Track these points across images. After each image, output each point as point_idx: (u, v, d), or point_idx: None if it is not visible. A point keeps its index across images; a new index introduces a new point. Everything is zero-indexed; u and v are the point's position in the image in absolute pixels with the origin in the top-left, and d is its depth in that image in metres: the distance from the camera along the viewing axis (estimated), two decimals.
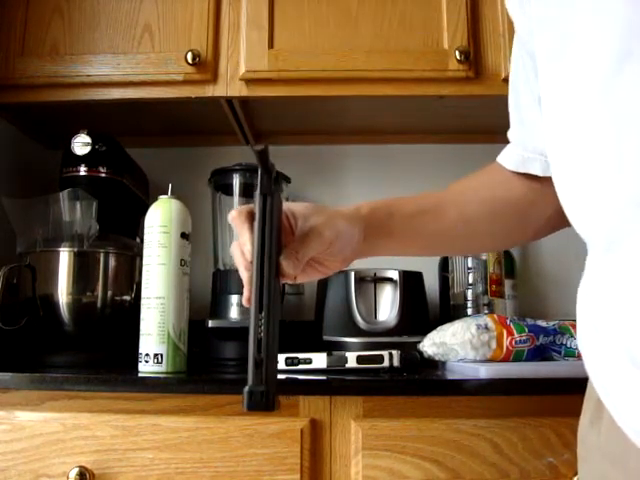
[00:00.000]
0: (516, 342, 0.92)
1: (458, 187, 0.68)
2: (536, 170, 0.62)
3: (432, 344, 0.96)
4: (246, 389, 0.45)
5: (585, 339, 0.47)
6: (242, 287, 0.54)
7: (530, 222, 0.66)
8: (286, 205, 0.57)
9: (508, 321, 0.94)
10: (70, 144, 1.08)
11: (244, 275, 0.54)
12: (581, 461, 0.51)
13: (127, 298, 1.06)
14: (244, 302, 0.52)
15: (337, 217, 0.58)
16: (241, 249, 0.54)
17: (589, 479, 0.49)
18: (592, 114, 0.42)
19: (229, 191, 1.22)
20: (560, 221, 0.64)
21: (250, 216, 0.55)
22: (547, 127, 0.50)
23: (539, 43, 0.51)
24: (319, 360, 0.89)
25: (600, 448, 0.46)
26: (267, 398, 0.45)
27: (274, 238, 0.50)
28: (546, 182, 0.61)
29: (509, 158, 0.65)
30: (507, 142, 0.68)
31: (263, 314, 0.47)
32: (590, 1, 0.43)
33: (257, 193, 0.51)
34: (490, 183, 0.67)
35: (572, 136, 0.45)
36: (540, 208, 0.64)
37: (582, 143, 0.44)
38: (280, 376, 0.83)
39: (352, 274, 1.11)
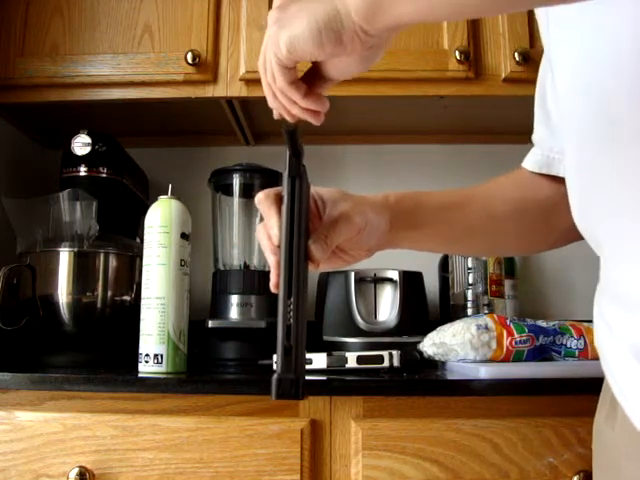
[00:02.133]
0: (516, 342, 0.92)
1: (484, 186, 0.68)
2: (560, 171, 0.62)
3: (432, 344, 0.96)
4: (275, 377, 0.43)
5: (600, 337, 0.47)
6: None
7: (555, 224, 0.65)
8: (314, 189, 0.56)
9: (508, 321, 0.94)
10: (70, 144, 1.08)
11: (271, 260, 0.52)
12: (596, 455, 0.52)
13: (127, 298, 1.06)
14: (272, 288, 0.50)
15: (365, 204, 0.57)
16: (268, 233, 0.53)
17: (604, 474, 0.50)
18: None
19: (229, 191, 1.22)
20: None
21: (277, 199, 0.53)
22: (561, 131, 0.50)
23: (553, 45, 0.51)
24: (319, 360, 0.89)
25: (615, 444, 0.47)
26: (297, 386, 0.43)
27: (303, 222, 0.48)
28: None
29: (533, 160, 0.65)
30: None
31: (292, 300, 0.45)
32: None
33: (285, 175, 0.49)
34: (516, 184, 0.67)
35: (576, 140, 0.45)
36: (566, 210, 0.64)
37: (583, 149, 0.44)
38: None
39: (352, 274, 1.11)
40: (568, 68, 0.49)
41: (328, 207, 0.56)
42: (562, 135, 0.52)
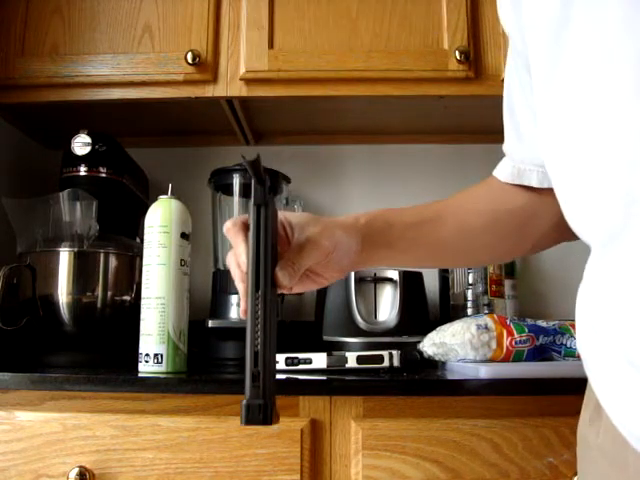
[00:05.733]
0: (516, 342, 0.92)
1: (456, 199, 0.68)
2: (532, 181, 0.62)
3: (432, 344, 0.96)
4: (243, 403, 0.44)
5: (584, 340, 0.47)
6: None
7: (529, 233, 0.65)
8: (282, 215, 0.57)
9: (508, 321, 0.94)
10: (70, 144, 1.08)
11: (240, 287, 0.53)
12: (580, 459, 0.51)
13: (127, 298, 1.06)
14: (241, 314, 0.51)
15: (335, 227, 0.57)
16: (237, 260, 0.53)
17: (588, 478, 0.49)
18: (592, 115, 0.42)
19: (229, 191, 1.22)
20: (560, 234, 0.64)
21: (245, 227, 0.54)
22: (543, 129, 0.50)
23: (532, 49, 0.50)
24: (319, 360, 0.89)
25: (599, 448, 0.46)
26: (265, 412, 0.44)
27: (269, 249, 0.49)
28: (544, 193, 0.61)
29: (504, 171, 0.65)
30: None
31: (259, 326, 0.46)
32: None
33: (251, 204, 0.50)
34: (489, 195, 0.67)
35: (570, 135, 0.45)
36: (539, 219, 0.64)
37: (580, 142, 0.44)
38: (280, 376, 0.83)
39: (352, 274, 1.10)
40: (551, 79, 0.48)
41: (296, 232, 0.56)
42: (542, 142, 0.52)
